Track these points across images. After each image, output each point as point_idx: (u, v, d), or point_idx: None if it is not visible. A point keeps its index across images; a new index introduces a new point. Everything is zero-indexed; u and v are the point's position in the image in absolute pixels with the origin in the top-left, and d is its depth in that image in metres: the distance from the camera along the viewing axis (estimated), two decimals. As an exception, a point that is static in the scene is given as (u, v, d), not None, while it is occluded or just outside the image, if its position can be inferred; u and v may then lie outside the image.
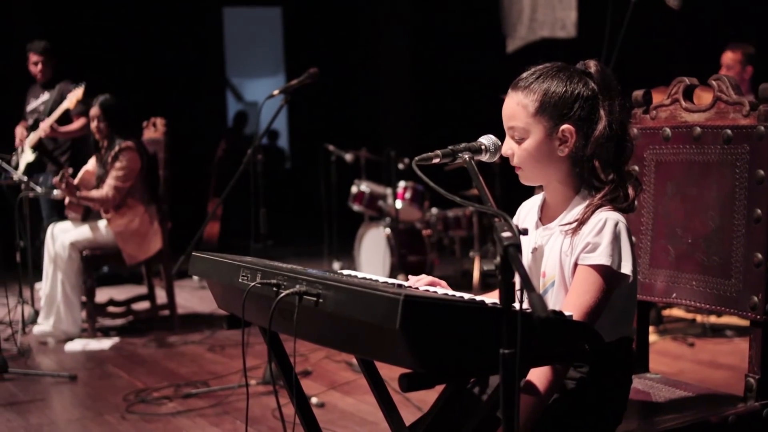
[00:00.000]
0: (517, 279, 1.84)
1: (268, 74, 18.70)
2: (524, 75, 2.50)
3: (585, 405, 2.45)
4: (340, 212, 9.87)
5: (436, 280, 2.61)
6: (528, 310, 1.92)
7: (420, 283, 2.58)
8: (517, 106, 2.46)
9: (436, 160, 2.40)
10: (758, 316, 2.69)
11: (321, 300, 2.07)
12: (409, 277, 2.66)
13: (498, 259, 1.86)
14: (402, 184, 8.56)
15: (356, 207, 8.89)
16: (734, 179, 2.76)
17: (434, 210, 8.80)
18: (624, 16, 5.16)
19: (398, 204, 8.34)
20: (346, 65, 14.27)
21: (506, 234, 1.86)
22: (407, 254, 8.38)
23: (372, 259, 8.50)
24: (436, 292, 2.37)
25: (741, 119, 2.75)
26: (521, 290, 1.86)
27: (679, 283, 2.92)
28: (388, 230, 8.27)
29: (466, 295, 2.17)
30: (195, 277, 9.56)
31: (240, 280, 2.42)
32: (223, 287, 2.64)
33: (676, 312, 6.80)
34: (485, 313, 1.96)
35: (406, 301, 1.83)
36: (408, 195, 8.51)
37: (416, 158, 2.35)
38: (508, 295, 1.85)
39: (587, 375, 2.44)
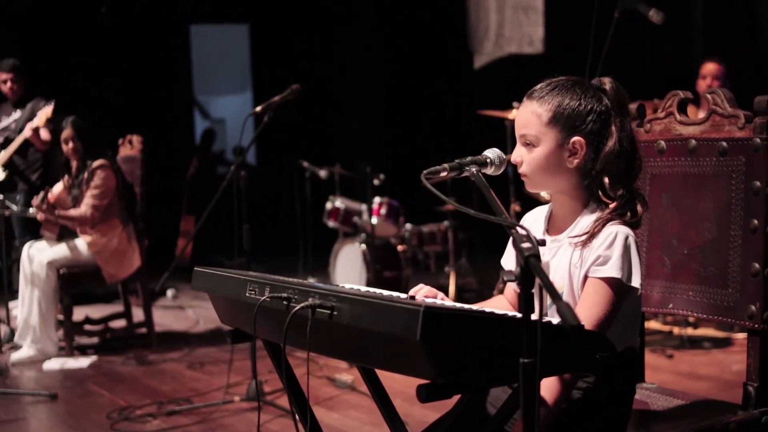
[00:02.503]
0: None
1: (235, 91, 18.67)
2: (539, 86, 2.54)
3: (591, 414, 2.48)
4: (315, 229, 9.87)
5: (434, 290, 2.63)
6: (546, 320, 1.96)
7: (420, 294, 2.60)
8: (531, 115, 2.50)
9: (443, 174, 2.42)
10: (756, 325, 2.73)
11: (335, 313, 2.08)
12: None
13: (518, 269, 1.88)
14: (377, 199, 8.57)
15: (331, 223, 8.89)
16: (730, 190, 2.80)
17: (409, 225, 8.81)
18: (591, 30, 5.20)
19: (374, 220, 8.36)
20: (315, 82, 14.28)
21: (526, 245, 1.89)
22: (382, 270, 8.38)
23: (347, 275, 8.50)
24: (443, 303, 2.40)
25: (736, 132, 2.80)
26: (540, 299, 1.89)
27: (676, 293, 2.96)
28: (363, 246, 8.28)
29: (467, 305, 2.20)
30: (169, 295, 9.53)
31: (248, 295, 2.43)
32: (228, 302, 2.65)
33: (653, 324, 6.85)
34: (504, 323, 1.99)
35: (426, 312, 1.86)
36: (383, 211, 8.53)
37: (424, 172, 2.37)
38: (527, 305, 1.87)
39: (593, 385, 2.47)
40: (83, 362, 6.70)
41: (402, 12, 13.58)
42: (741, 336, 6.53)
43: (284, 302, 2.25)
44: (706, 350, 6.32)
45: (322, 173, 9.05)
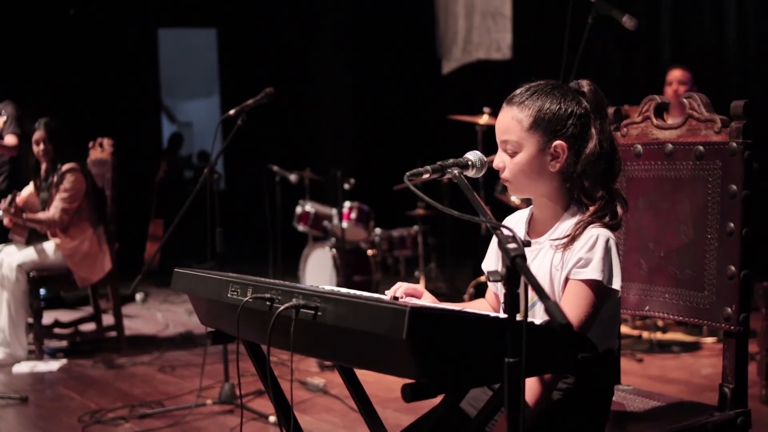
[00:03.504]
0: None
1: (203, 95, 18.65)
2: (519, 91, 2.55)
3: (570, 415, 2.50)
4: (285, 233, 9.86)
5: (414, 287, 2.65)
6: (531, 320, 1.98)
7: (401, 292, 2.62)
8: (512, 121, 2.51)
9: (426, 176, 2.44)
10: (732, 327, 2.76)
11: (320, 313, 2.09)
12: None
13: (503, 269, 1.90)
14: (347, 204, 8.58)
15: (301, 227, 8.89)
16: (706, 194, 2.83)
17: (379, 230, 8.84)
18: (562, 36, 5.23)
19: (344, 224, 8.37)
20: (285, 85, 14.27)
21: (512, 245, 1.91)
22: (352, 274, 8.39)
23: (317, 279, 8.50)
24: (429, 304, 2.41)
25: (713, 136, 2.83)
26: (525, 300, 1.90)
27: (652, 296, 2.99)
28: (333, 250, 8.28)
29: (450, 305, 2.22)
30: (138, 299, 9.49)
31: (229, 296, 2.44)
32: (210, 303, 2.65)
33: (623, 329, 6.89)
34: (489, 323, 2.00)
35: (412, 312, 1.87)
36: (353, 215, 8.54)
37: (407, 173, 2.38)
38: (513, 305, 1.89)
39: (573, 386, 2.49)
40: (53, 365, 6.67)
41: (371, 17, 13.61)
42: (710, 340, 6.60)
43: (267, 303, 2.26)
44: (676, 354, 6.37)
45: (293, 177, 9.04)
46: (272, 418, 5.04)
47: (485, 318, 2.01)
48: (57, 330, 7.39)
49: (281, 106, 13.69)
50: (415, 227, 8.70)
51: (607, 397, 2.62)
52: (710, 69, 9.06)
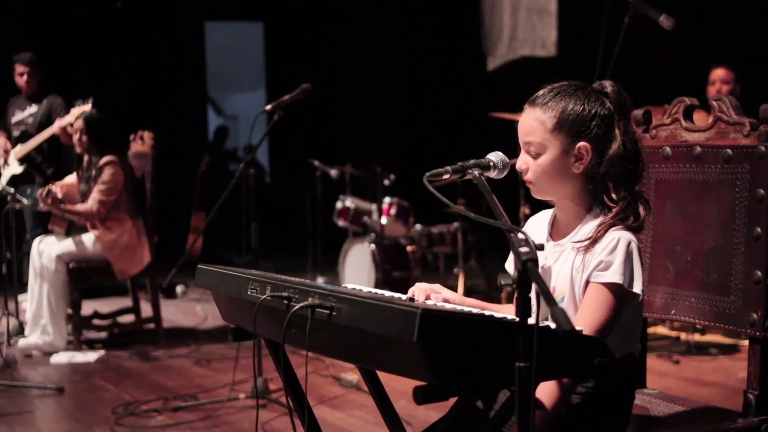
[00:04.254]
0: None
1: (249, 89, 18.70)
2: (542, 92, 2.54)
3: (590, 420, 2.48)
4: (325, 228, 9.89)
5: (431, 287, 2.64)
6: (544, 324, 1.96)
7: (418, 292, 2.61)
8: (535, 122, 2.50)
9: (446, 176, 2.42)
10: (758, 333, 2.73)
11: (334, 313, 2.09)
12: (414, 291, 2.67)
13: (515, 273, 1.89)
14: (387, 200, 8.58)
15: (341, 222, 8.90)
16: (734, 198, 2.80)
17: (419, 226, 8.82)
18: (601, 35, 5.19)
19: (383, 220, 8.36)
20: (329, 80, 14.30)
21: (524, 249, 1.90)
22: (392, 270, 8.39)
23: (356, 275, 8.51)
24: (443, 306, 2.41)
25: (741, 139, 2.79)
26: (537, 304, 1.89)
27: (678, 299, 2.96)
28: (372, 246, 8.28)
29: (468, 306, 2.21)
30: (179, 291, 9.55)
31: (249, 293, 2.44)
32: (230, 300, 2.66)
33: (661, 330, 6.84)
34: (501, 326, 1.99)
35: (423, 315, 1.86)
36: (393, 211, 8.54)
37: (427, 174, 2.37)
38: (524, 309, 1.88)
39: (593, 390, 2.47)
40: (91, 356, 6.73)
41: (416, 12, 13.59)
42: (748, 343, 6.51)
43: (284, 301, 2.26)
44: (713, 356, 6.31)
45: (333, 173, 9.06)
46: (304, 414, 5.05)
47: (498, 321, 2.00)
48: (96, 321, 7.45)
49: (326, 101, 13.79)
50: (455, 224, 8.67)
51: (627, 401, 2.60)
52: (755, 68, 8.95)
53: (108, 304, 8.34)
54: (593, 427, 2.50)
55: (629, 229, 2.46)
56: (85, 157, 7.13)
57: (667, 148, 3.02)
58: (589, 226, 2.50)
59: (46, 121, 8.03)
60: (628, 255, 2.41)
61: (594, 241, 2.45)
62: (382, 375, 2.69)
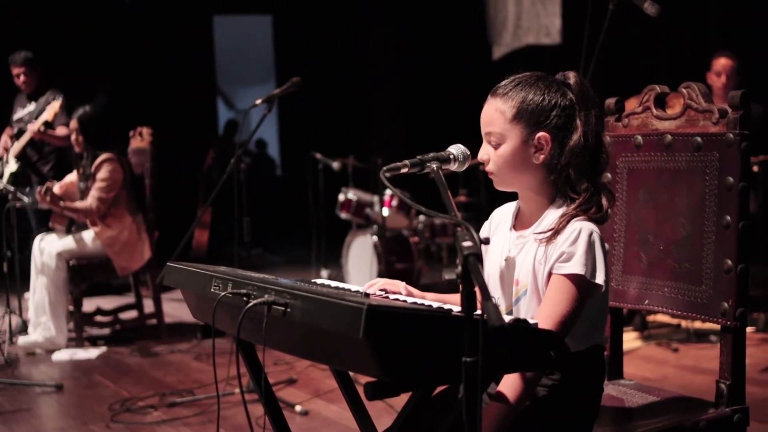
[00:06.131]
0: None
1: (259, 82, 18.71)
2: (503, 82, 2.53)
3: (556, 412, 2.46)
4: (329, 220, 9.88)
5: (391, 282, 2.63)
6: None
7: (375, 288, 2.61)
8: (495, 112, 2.49)
9: (404, 170, 2.41)
10: (728, 322, 2.71)
11: (289, 309, 2.08)
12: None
13: (459, 268, 1.87)
14: (389, 191, 8.57)
15: (343, 215, 8.90)
16: (704, 186, 2.78)
17: (421, 217, 8.80)
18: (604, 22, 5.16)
19: (385, 211, 8.35)
20: (337, 73, 14.30)
21: (467, 243, 1.88)
22: (395, 262, 8.38)
23: (360, 267, 8.50)
24: (405, 300, 2.39)
25: (711, 127, 2.77)
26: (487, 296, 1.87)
27: (651, 289, 2.94)
28: (375, 238, 8.27)
29: (431, 302, 2.19)
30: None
31: (212, 290, 2.44)
32: (197, 297, 2.66)
33: (661, 317, 6.82)
34: (449, 321, 1.97)
35: (369, 310, 1.85)
36: (395, 202, 8.52)
37: (384, 168, 2.37)
38: (469, 304, 1.86)
39: (558, 382, 2.46)
40: (92, 353, 6.75)
41: (421, 3, 13.55)
42: (749, 330, 6.49)
43: (243, 298, 2.26)
44: (713, 344, 6.28)
45: (335, 165, 9.06)
46: (298, 407, 5.06)
47: (445, 315, 1.98)
48: (98, 318, 7.47)
49: (335, 94, 13.78)
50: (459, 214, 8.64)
51: (595, 393, 2.57)
52: (757, 56, 8.88)
53: (111, 301, 8.36)
54: (561, 420, 2.48)
55: (592, 221, 2.45)
56: (84, 155, 7.13)
57: (639, 137, 2.99)
58: (551, 217, 2.49)
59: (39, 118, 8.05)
60: (590, 246, 2.39)
61: (556, 232, 2.43)
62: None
